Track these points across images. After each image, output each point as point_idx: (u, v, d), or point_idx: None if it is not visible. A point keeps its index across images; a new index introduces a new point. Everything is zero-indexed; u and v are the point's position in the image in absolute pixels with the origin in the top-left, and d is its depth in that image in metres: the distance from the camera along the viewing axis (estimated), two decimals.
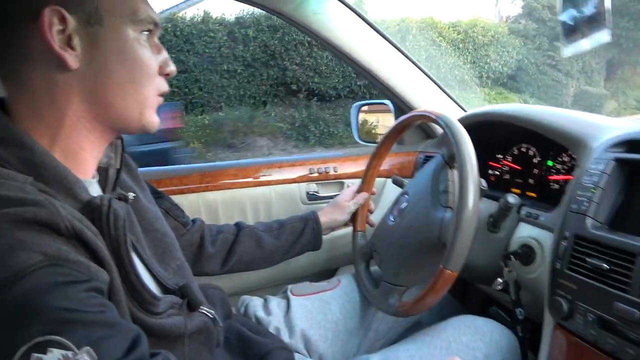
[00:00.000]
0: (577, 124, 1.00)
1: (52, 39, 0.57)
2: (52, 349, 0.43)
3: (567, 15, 0.58)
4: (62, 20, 0.57)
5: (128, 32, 0.62)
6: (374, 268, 1.16)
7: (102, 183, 0.71)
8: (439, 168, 0.98)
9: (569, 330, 0.82)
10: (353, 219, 1.22)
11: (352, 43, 1.38)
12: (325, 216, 1.18)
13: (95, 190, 0.67)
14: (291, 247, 1.15)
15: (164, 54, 0.69)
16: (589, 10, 0.54)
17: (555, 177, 1.12)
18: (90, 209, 0.58)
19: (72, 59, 0.59)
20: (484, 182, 0.87)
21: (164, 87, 0.70)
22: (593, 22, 0.53)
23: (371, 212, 1.25)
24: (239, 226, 1.12)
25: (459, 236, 0.80)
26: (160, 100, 0.70)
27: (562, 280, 0.82)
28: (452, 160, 0.94)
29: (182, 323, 0.69)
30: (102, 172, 0.71)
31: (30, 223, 0.48)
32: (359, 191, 1.22)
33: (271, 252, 1.12)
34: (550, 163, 1.14)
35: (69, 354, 0.43)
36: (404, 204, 1.05)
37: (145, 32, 0.65)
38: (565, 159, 1.09)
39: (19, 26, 0.57)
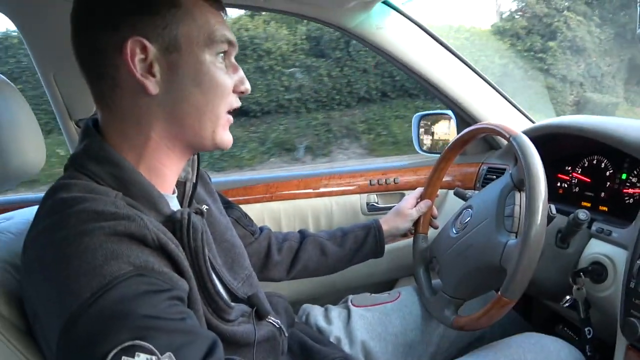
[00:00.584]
0: None
1: (135, 68, 0.62)
2: (139, 353, 0.47)
3: None
4: (144, 49, 0.62)
5: (204, 56, 0.66)
6: (434, 279, 1.15)
7: (180, 197, 0.77)
8: (507, 189, 0.95)
9: None
10: (416, 221, 1.22)
11: (415, 55, 1.38)
12: (387, 224, 1.18)
13: (175, 204, 0.73)
14: (354, 255, 1.16)
15: (240, 73, 0.72)
16: None
17: (630, 190, 1.06)
18: (172, 222, 0.64)
19: (152, 86, 0.64)
20: (553, 209, 0.85)
21: (236, 103, 0.73)
22: None
23: (434, 217, 1.24)
24: (303, 234, 1.16)
25: (520, 265, 0.79)
26: (230, 118, 0.73)
27: (637, 300, 0.78)
28: (521, 184, 0.91)
29: (251, 331, 0.73)
30: (180, 185, 0.77)
31: (122, 236, 0.54)
32: (421, 198, 1.22)
33: (335, 260, 1.15)
34: (624, 176, 1.08)
35: (153, 358, 0.48)
36: (468, 219, 1.03)
37: (221, 54, 0.69)
38: None
39: (107, 58, 0.63)
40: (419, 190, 1.23)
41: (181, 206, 0.76)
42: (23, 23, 1.10)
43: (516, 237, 0.88)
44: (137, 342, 0.47)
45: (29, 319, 0.59)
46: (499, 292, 0.83)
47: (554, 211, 0.84)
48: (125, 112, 0.66)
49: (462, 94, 1.44)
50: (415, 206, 1.20)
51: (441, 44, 1.41)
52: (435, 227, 1.22)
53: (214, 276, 0.67)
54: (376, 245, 1.17)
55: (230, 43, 0.69)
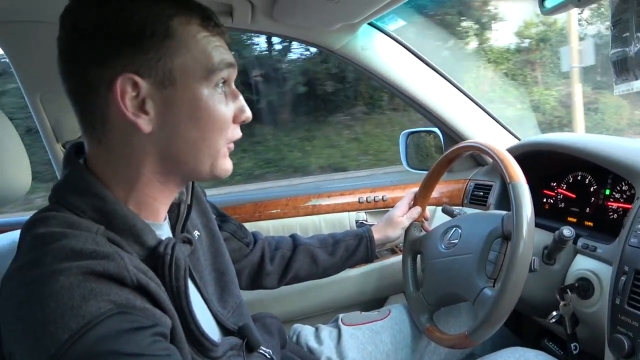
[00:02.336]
0: (634, 153, 0.97)
1: (125, 107, 0.58)
2: None
3: (617, 55, 0.58)
4: (135, 85, 0.58)
5: (202, 90, 0.62)
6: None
7: (174, 219, 0.74)
8: (495, 234, 0.93)
9: None
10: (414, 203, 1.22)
11: (400, 75, 1.41)
12: (379, 233, 1.18)
13: (165, 231, 0.70)
14: (345, 263, 1.16)
15: (240, 100, 0.68)
16: (639, 55, 0.53)
17: (613, 204, 1.08)
18: (155, 257, 0.61)
19: (145, 124, 0.60)
20: (536, 262, 0.86)
21: (237, 134, 0.69)
22: None
23: (426, 219, 1.24)
24: (295, 241, 1.14)
25: (492, 317, 0.82)
26: (232, 146, 0.69)
27: (623, 316, 0.79)
28: (509, 235, 0.89)
29: None
30: (174, 207, 0.74)
31: (100, 275, 0.52)
32: (414, 203, 1.21)
33: (325, 268, 1.14)
34: (607, 192, 1.10)
35: None
36: (455, 241, 1.03)
37: (221, 83, 0.65)
38: (624, 187, 1.06)
39: (97, 93, 0.59)
40: (410, 195, 1.22)
41: (173, 229, 0.73)
42: (8, 43, 1.09)
43: (494, 284, 0.89)
44: None
45: (5, 358, 0.55)
46: (466, 332, 0.87)
47: (536, 265, 0.86)
48: (115, 147, 0.62)
49: (448, 112, 1.47)
50: (406, 213, 1.19)
51: (426, 63, 1.43)
52: (427, 231, 1.22)
53: (200, 313, 0.64)
54: (367, 254, 1.16)
55: (229, 65, 0.65)
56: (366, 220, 1.55)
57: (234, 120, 0.67)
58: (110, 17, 0.58)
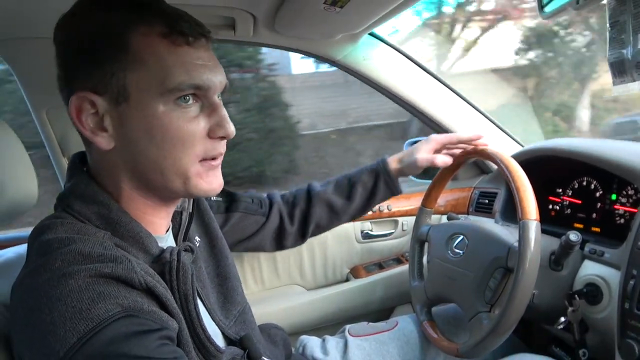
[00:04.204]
0: (639, 156, 0.97)
1: (82, 125, 0.58)
2: None
3: (614, 56, 0.58)
4: (92, 103, 0.58)
5: (157, 107, 0.58)
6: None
7: (176, 228, 0.74)
8: (499, 263, 0.92)
9: None
10: (427, 194, 1.18)
11: (402, 84, 1.42)
12: (397, 164, 1.10)
13: (169, 242, 0.70)
14: (368, 203, 1.12)
15: (219, 115, 0.62)
16: (638, 56, 0.54)
17: (620, 208, 1.07)
18: (161, 264, 0.62)
19: (104, 141, 0.59)
20: (536, 295, 0.90)
21: (213, 151, 0.63)
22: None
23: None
24: (309, 192, 1.11)
25: (484, 342, 0.86)
26: (213, 163, 0.65)
27: (633, 321, 0.78)
28: (512, 269, 0.89)
29: None
30: (177, 215, 0.74)
31: (108, 278, 0.52)
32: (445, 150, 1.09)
33: (347, 214, 1.12)
34: (614, 197, 1.09)
35: None
36: (461, 252, 1.02)
37: (189, 97, 0.60)
38: (630, 192, 1.05)
39: (70, 110, 0.59)
40: (439, 140, 1.08)
41: (176, 237, 0.74)
42: (14, 60, 1.11)
43: (490, 310, 0.91)
44: None
45: None
46: (458, 348, 0.93)
47: (535, 298, 0.90)
48: (97, 163, 0.64)
49: (450, 121, 1.47)
50: (430, 158, 1.07)
51: (428, 72, 1.44)
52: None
53: (204, 320, 0.64)
54: (390, 189, 1.11)
55: (196, 88, 0.60)
56: (371, 230, 1.55)
57: (210, 135, 0.63)
58: (73, 33, 0.59)
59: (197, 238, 0.78)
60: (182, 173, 0.61)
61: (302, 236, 1.11)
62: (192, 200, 0.76)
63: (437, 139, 1.08)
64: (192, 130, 0.60)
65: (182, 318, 0.60)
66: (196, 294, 0.64)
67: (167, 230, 0.72)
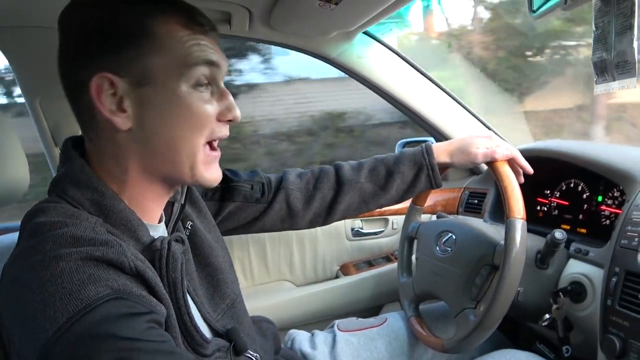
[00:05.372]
0: (626, 159, 0.99)
1: (101, 105, 0.60)
2: None
3: (597, 56, 0.60)
4: (112, 84, 0.60)
5: (180, 88, 0.62)
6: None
7: (167, 218, 0.75)
8: (485, 261, 0.94)
9: None
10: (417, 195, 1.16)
11: (395, 83, 1.43)
12: (444, 156, 1.03)
13: (161, 232, 0.71)
14: (403, 196, 1.06)
15: (228, 100, 0.67)
16: (619, 57, 0.55)
17: (606, 209, 1.09)
18: (151, 251, 0.62)
19: (122, 122, 0.61)
20: (521, 294, 0.92)
21: (221, 132, 0.68)
22: (623, 69, 0.54)
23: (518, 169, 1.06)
24: (339, 177, 1.04)
25: (470, 338, 0.89)
26: (216, 154, 0.69)
27: (614, 317, 0.80)
28: (498, 266, 0.90)
29: None
30: (168, 205, 0.75)
31: (99, 261, 0.53)
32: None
33: (379, 204, 1.06)
34: (600, 199, 1.11)
35: None
36: (449, 249, 1.04)
37: (205, 83, 0.65)
38: (616, 194, 1.07)
39: (83, 91, 0.61)
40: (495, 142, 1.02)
41: (167, 228, 0.74)
42: (9, 48, 1.11)
43: (476, 306, 0.93)
44: None
45: (5, 345, 0.57)
46: (444, 343, 0.97)
47: (520, 296, 0.93)
48: (104, 145, 0.64)
49: (442, 121, 1.49)
50: (486, 149, 1.00)
51: (421, 72, 1.45)
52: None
53: (191, 309, 0.65)
54: (430, 183, 1.03)
55: (210, 63, 0.64)
56: (362, 228, 1.56)
57: (219, 119, 0.67)
58: (91, 19, 0.61)
59: (188, 228, 0.78)
60: (192, 155, 0.65)
61: (324, 221, 1.06)
62: (184, 192, 0.77)
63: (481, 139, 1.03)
64: (207, 111, 0.65)
65: (170, 304, 0.60)
66: (185, 282, 0.64)
67: (160, 221, 0.72)
